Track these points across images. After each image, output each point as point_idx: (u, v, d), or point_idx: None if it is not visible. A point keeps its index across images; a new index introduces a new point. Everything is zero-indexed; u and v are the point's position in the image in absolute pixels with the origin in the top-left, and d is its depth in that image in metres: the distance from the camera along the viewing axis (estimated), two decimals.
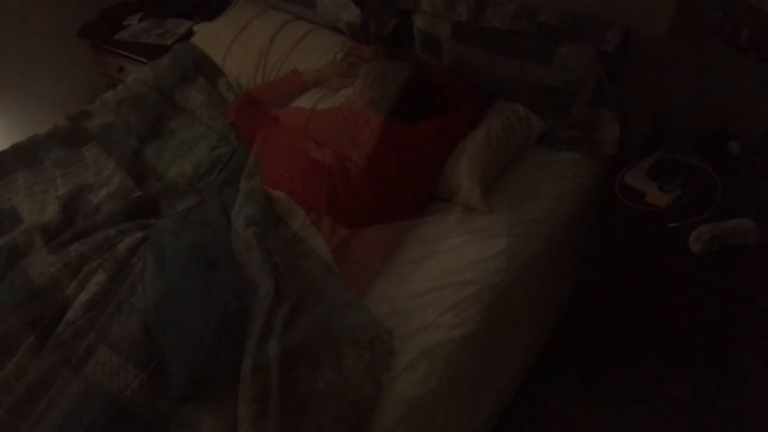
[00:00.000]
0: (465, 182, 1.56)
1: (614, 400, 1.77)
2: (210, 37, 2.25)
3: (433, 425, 1.30)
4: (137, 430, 1.13)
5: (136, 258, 1.38)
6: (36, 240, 1.50)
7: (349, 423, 1.12)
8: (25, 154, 1.83)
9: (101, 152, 1.83)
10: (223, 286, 1.22)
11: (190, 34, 2.47)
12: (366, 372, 1.18)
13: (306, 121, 1.72)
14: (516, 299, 1.48)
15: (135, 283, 1.32)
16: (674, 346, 1.78)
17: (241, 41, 2.15)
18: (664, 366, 1.82)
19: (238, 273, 1.23)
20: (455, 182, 1.58)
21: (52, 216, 1.58)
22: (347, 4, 2.02)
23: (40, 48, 2.67)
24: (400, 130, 1.63)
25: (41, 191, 1.69)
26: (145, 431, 1.13)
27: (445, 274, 1.41)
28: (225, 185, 1.62)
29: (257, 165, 1.64)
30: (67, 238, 1.48)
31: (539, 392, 1.78)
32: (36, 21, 2.62)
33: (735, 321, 1.48)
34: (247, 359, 1.14)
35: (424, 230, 1.55)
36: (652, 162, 1.65)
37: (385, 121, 1.64)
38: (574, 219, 1.63)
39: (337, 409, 1.13)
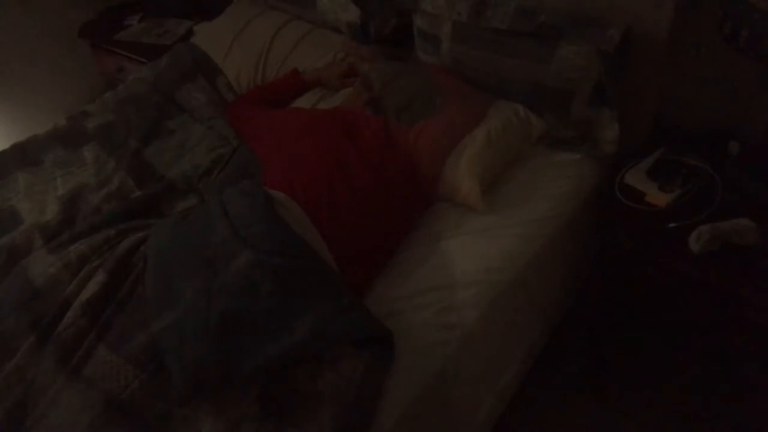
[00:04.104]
0: (465, 182, 1.56)
1: (614, 400, 1.77)
2: (210, 37, 2.25)
3: (433, 425, 1.30)
4: (137, 430, 1.13)
5: (136, 258, 1.38)
6: (36, 240, 1.50)
7: (349, 423, 1.12)
8: (25, 154, 1.83)
9: (101, 152, 1.82)
10: (224, 286, 1.22)
11: (190, 34, 2.47)
12: (366, 372, 1.18)
13: (305, 121, 1.72)
14: (516, 299, 1.48)
15: (135, 284, 1.32)
16: (674, 346, 1.78)
17: (241, 41, 2.15)
18: (664, 366, 1.82)
19: (238, 273, 1.23)
20: (455, 182, 1.58)
21: (52, 216, 1.58)
22: (347, 4, 2.02)
23: (40, 48, 2.67)
24: (400, 130, 1.63)
25: (41, 191, 1.69)
26: (145, 431, 1.13)
27: (444, 274, 1.41)
28: (225, 185, 1.62)
29: (257, 165, 1.64)
30: (67, 238, 1.48)
31: (539, 392, 1.78)
32: (36, 21, 2.62)
33: (735, 321, 1.48)
34: (248, 359, 1.14)
35: (424, 230, 1.55)
36: (652, 162, 1.65)
37: (385, 121, 1.64)
38: (574, 219, 1.63)
39: (337, 409, 1.13)
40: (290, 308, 1.21)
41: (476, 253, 1.46)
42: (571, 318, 1.87)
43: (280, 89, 1.99)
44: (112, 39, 2.55)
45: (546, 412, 1.76)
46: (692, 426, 1.69)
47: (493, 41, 1.72)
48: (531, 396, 1.74)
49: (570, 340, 1.87)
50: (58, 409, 1.15)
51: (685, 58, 1.70)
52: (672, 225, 1.50)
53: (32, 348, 1.24)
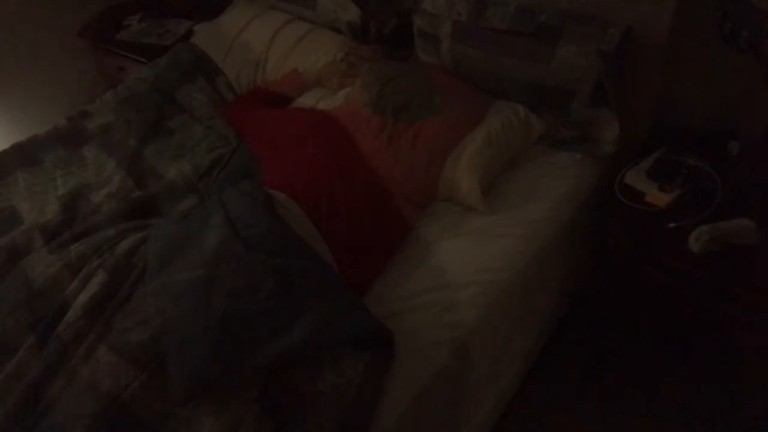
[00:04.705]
0: (465, 182, 1.56)
1: (614, 400, 1.77)
2: (210, 37, 2.25)
3: (433, 425, 1.30)
4: (137, 430, 1.13)
5: (137, 258, 1.38)
6: (36, 240, 1.50)
7: (349, 423, 1.12)
8: (25, 154, 1.83)
9: (101, 152, 1.82)
10: (224, 287, 1.22)
11: (190, 34, 2.47)
12: (366, 372, 1.18)
13: (306, 121, 1.72)
14: (516, 299, 1.48)
15: (135, 284, 1.32)
16: (674, 346, 1.78)
17: (241, 41, 2.15)
18: (663, 366, 1.82)
19: (239, 274, 1.23)
20: (455, 182, 1.58)
21: (52, 216, 1.58)
22: (347, 4, 2.02)
23: (40, 48, 2.67)
24: (400, 130, 1.63)
25: (41, 191, 1.69)
26: (145, 431, 1.13)
27: (444, 274, 1.41)
28: (225, 185, 1.62)
29: (257, 165, 1.64)
30: (67, 238, 1.48)
31: (539, 392, 1.78)
32: (36, 21, 2.62)
33: (735, 321, 1.48)
34: (248, 360, 1.14)
35: (424, 230, 1.55)
36: (652, 162, 1.65)
37: (385, 121, 1.64)
38: (574, 219, 1.63)
39: (337, 409, 1.13)
40: (290, 308, 1.21)
41: (476, 253, 1.46)
42: (571, 318, 1.87)
43: (280, 89, 1.99)
44: (112, 39, 2.55)
45: (546, 412, 1.76)
46: (692, 426, 1.69)
47: (493, 41, 1.72)
48: (531, 396, 1.74)
49: (570, 341, 1.87)
50: (59, 409, 1.15)
51: (685, 58, 1.70)
52: (672, 225, 1.50)
53: (32, 348, 1.24)
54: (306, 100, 1.95)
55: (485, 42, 1.73)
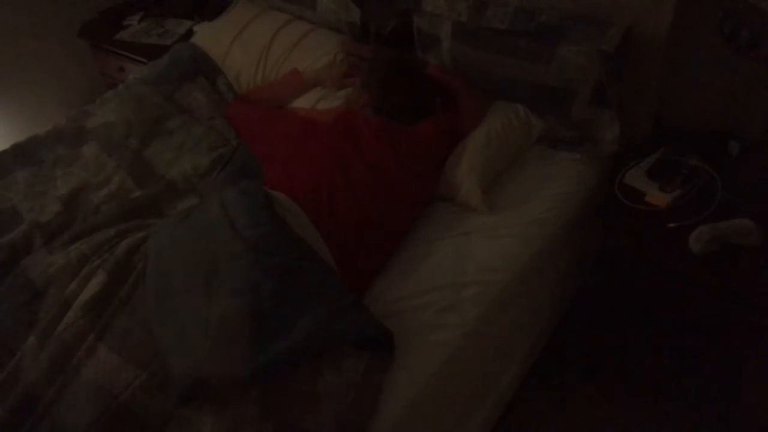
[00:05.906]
0: (465, 182, 1.56)
1: (614, 400, 1.77)
2: (210, 37, 2.25)
3: (432, 425, 1.30)
4: (137, 430, 1.13)
5: (137, 258, 1.38)
6: (36, 240, 1.50)
7: (348, 423, 1.12)
8: (25, 154, 1.83)
9: (101, 152, 1.82)
10: (224, 287, 1.22)
11: (190, 34, 2.47)
12: (366, 372, 1.18)
13: (306, 121, 1.72)
14: (516, 299, 1.49)
15: (135, 284, 1.32)
16: (674, 346, 1.78)
17: (241, 41, 2.15)
18: (663, 365, 1.82)
19: (239, 274, 1.23)
20: (455, 182, 1.58)
21: (52, 216, 1.58)
22: (347, 4, 2.02)
23: (40, 48, 2.67)
24: (400, 130, 1.63)
25: (41, 191, 1.69)
26: (145, 431, 1.13)
27: (445, 274, 1.41)
28: (225, 185, 1.62)
29: (257, 165, 1.64)
30: (67, 238, 1.48)
31: (539, 393, 1.78)
32: (36, 21, 2.62)
33: (735, 321, 1.48)
34: (247, 360, 1.14)
35: (424, 230, 1.55)
36: (652, 162, 1.65)
37: (385, 121, 1.64)
38: (574, 219, 1.63)
39: (337, 409, 1.13)
40: (291, 309, 1.21)
41: (476, 253, 1.46)
42: (571, 318, 1.87)
43: (280, 89, 1.99)
44: (112, 39, 2.55)
45: (546, 412, 1.76)
46: (692, 425, 1.69)
47: (493, 41, 1.72)
48: (531, 396, 1.74)
49: (570, 341, 1.87)
50: (59, 409, 1.15)
51: (685, 58, 1.70)
52: (672, 225, 1.50)
53: (32, 348, 1.24)
54: (306, 100, 1.95)
55: (485, 42, 1.73)
